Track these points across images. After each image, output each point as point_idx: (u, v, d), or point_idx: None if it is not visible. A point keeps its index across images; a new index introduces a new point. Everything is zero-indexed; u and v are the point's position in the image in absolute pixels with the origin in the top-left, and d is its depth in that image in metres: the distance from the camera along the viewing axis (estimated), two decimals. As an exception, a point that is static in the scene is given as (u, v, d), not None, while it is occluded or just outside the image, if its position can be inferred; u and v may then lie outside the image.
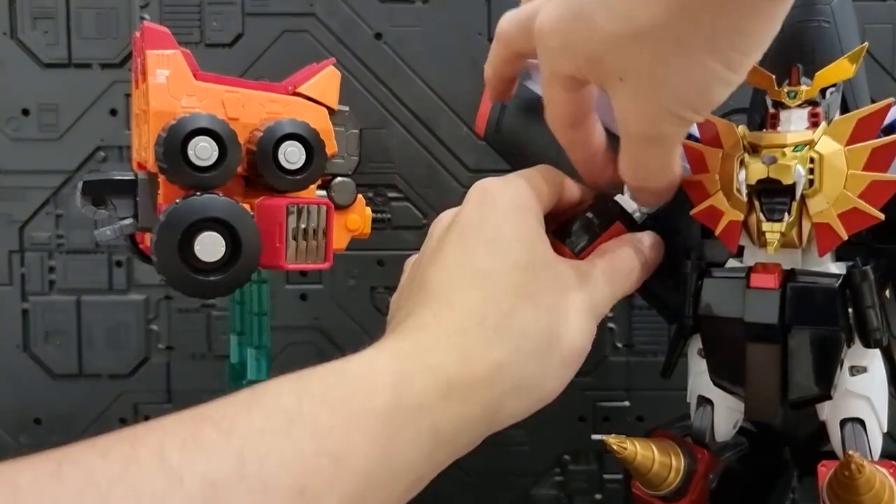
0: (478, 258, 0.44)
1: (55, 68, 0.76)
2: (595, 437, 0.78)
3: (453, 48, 0.76)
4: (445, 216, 0.49)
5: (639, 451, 0.48)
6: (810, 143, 0.46)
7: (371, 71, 0.76)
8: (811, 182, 0.45)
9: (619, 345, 0.78)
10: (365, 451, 0.35)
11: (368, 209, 0.60)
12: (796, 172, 0.45)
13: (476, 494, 0.79)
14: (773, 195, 0.46)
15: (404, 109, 0.77)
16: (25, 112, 0.76)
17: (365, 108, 0.75)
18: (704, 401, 0.52)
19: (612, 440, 0.48)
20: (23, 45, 0.75)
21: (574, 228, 0.51)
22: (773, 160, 0.45)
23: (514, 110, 0.57)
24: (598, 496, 0.79)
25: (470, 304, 0.43)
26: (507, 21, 0.50)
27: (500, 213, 0.46)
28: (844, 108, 0.48)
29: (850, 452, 0.42)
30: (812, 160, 0.45)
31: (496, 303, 0.43)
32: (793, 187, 0.45)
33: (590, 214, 0.51)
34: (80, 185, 0.54)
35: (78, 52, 0.76)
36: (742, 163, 0.47)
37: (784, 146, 0.46)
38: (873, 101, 0.46)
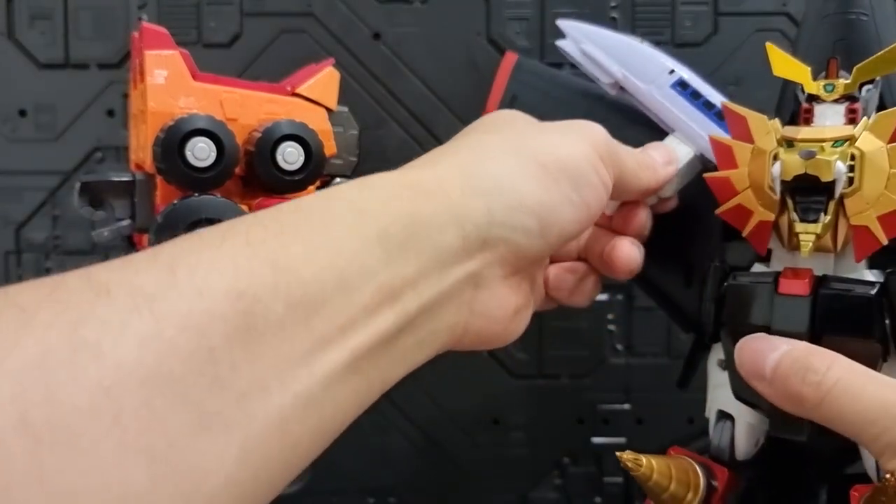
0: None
1: (52, 69, 0.75)
2: (595, 439, 0.78)
3: (452, 48, 0.75)
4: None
5: (655, 468, 0.45)
6: (850, 139, 0.42)
7: (369, 71, 0.76)
8: (850, 181, 0.42)
9: (619, 347, 0.78)
10: (303, 257, 0.33)
11: (367, 210, 0.59)
12: (836, 169, 0.41)
13: (475, 497, 0.79)
14: (808, 194, 0.42)
15: (402, 109, 0.76)
16: (22, 112, 0.75)
17: (363, 107, 0.75)
18: (724, 416, 0.48)
19: (627, 457, 0.45)
20: (20, 46, 0.75)
21: None
22: (811, 155, 0.41)
23: (528, 104, 0.55)
24: (597, 499, 0.79)
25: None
26: None
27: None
28: (881, 107, 0.45)
29: (888, 476, 0.37)
30: (853, 157, 0.42)
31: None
32: (831, 185, 0.42)
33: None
34: (77, 185, 0.54)
35: (75, 53, 0.75)
36: (776, 157, 0.43)
37: (823, 141, 0.42)
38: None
